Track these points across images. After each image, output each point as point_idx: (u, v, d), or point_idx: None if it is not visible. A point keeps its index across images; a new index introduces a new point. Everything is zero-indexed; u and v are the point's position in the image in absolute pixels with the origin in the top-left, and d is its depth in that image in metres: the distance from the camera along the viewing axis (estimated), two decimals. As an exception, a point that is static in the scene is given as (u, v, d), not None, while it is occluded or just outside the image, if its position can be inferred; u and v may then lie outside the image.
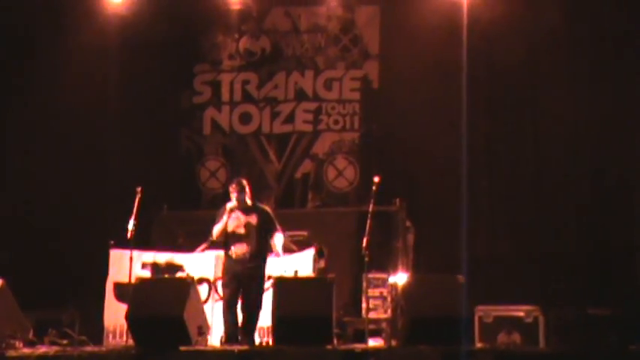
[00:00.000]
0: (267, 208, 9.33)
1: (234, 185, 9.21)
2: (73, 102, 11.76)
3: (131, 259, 9.23)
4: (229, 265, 9.08)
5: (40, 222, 11.53)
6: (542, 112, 11.41)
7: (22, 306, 8.90)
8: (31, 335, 8.87)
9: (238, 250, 9.01)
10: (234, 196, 9.12)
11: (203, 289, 9.73)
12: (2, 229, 11.41)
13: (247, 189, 9.18)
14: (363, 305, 9.82)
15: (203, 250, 10.35)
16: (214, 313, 9.75)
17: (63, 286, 10.95)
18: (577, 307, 9.51)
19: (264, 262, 9.09)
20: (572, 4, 11.27)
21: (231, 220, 9.06)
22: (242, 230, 9.06)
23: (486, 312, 9.34)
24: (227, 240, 9.11)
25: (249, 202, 9.18)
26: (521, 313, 9.34)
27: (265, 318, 8.96)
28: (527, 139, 11.50)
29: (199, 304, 8.83)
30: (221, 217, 9.12)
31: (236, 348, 8.33)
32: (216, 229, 9.13)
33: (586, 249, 10.85)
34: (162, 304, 8.22)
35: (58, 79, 11.79)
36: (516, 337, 9.26)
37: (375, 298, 10.17)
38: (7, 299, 8.72)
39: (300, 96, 12.36)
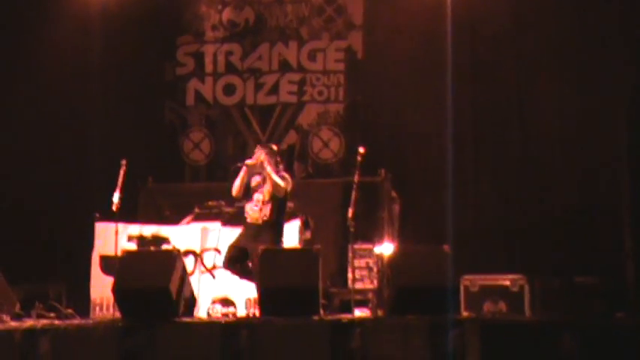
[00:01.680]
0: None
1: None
2: (55, 75, 11.69)
3: (117, 231, 9.20)
4: None
5: (25, 196, 11.47)
6: (528, 82, 11.41)
7: (9, 280, 8.87)
8: (17, 309, 8.84)
9: None
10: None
11: (189, 262, 9.73)
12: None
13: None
14: (349, 276, 9.86)
15: (189, 223, 10.35)
16: (200, 286, 9.76)
17: (49, 260, 10.94)
18: (563, 276, 9.56)
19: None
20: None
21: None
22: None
23: (472, 281, 9.38)
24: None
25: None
26: (507, 282, 9.38)
27: (252, 289, 8.97)
28: (512, 109, 11.50)
29: (185, 277, 8.82)
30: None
31: (223, 319, 8.34)
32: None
33: (572, 217, 10.89)
34: (149, 277, 8.20)
35: (40, 54, 11.69)
36: (502, 306, 9.31)
37: (361, 268, 10.20)
38: (-7, 274, 8.69)
39: (285, 67, 12.32)
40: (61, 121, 11.79)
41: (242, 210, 10.25)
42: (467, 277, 9.36)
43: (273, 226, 8.95)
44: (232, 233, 9.94)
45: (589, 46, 11.12)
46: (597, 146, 11.05)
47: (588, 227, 10.74)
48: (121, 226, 9.43)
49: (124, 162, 9.26)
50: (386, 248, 10.06)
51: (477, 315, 8.82)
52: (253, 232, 8.92)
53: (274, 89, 12.31)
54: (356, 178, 8.87)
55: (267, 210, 8.93)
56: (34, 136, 11.64)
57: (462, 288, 9.26)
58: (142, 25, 12.10)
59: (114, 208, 9.14)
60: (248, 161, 8.92)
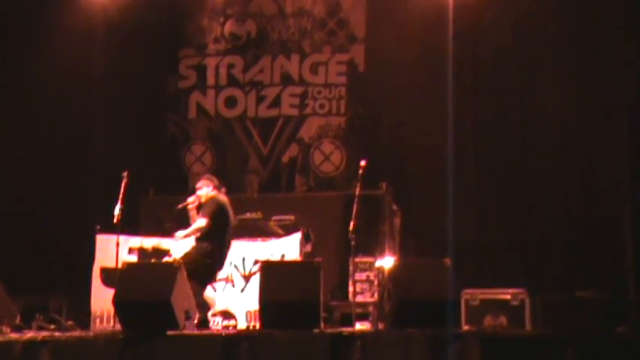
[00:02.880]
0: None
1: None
2: (58, 88, 11.74)
3: (117, 244, 9.20)
4: None
5: (27, 207, 11.49)
6: (530, 96, 11.43)
7: (9, 292, 8.87)
8: (18, 321, 8.83)
9: None
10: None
11: (190, 274, 9.71)
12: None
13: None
14: (350, 289, 9.85)
15: (189, 235, 10.34)
16: (201, 298, 9.75)
17: (50, 272, 10.94)
18: (564, 290, 9.55)
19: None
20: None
21: None
22: None
23: (473, 295, 9.38)
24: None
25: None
26: (508, 296, 9.38)
27: (253, 302, 8.96)
28: (514, 123, 11.51)
29: (186, 289, 8.82)
30: None
31: (223, 332, 8.33)
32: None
33: (573, 232, 10.88)
34: (150, 289, 8.20)
35: (43, 66, 11.72)
36: (503, 320, 9.31)
37: (362, 282, 10.20)
38: (-7, 285, 8.69)
39: (286, 80, 12.33)
40: (63, 133, 11.81)
41: (243, 222, 10.30)
42: (468, 290, 9.36)
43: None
44: (233, 246, 9.96)
45: (590, 57, 11.14)
46: (599, 159, 11.06)
47: (589, 241, 10.72)
48: (122, 238, 9.43)
49: (125, 174, 9.28)
50: (387, 261, 10.04)
51: (478, 329, 8.79)
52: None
53: (276, 102, 12.33)
54: (357, 191, 8.89)
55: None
56: (35, 148, 11.67)
57: (462, 302, 9.27)
58: (145, 38, 12.13)
59: (115, 220, 9.15)
60: (189, 200, 9.30)
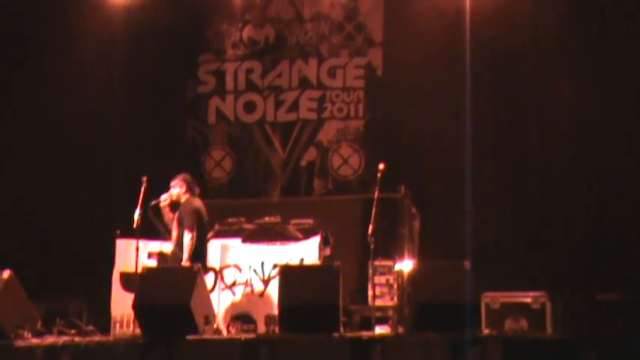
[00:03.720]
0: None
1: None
2: (78, 92, 11.81)
3: (137, 248, 9.24)
4: None
5: (47, 212, 11.56)
6: (548, 97, 11.36)
7: (30, 296, 8.92)
8: (39, 325, 8.88)
9: None
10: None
11: (209, 278, 9.73)
12: (10, 219, 11.47)
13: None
14: (370, 293, 9.82)
15: (209, 239, 10.36)
16: (220, 302, 9.77)
17: (70, 276, 10.99)
18: (585, 293, 9.49)
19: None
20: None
21: None
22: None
23: (493, 298, 9.33)
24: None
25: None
26: (529, 300, 9.33)
27: (272, 306, 8.96)
28: (532, 125, 11.46)
29: (205, 293, 8.84)
30: None
31: (242, 336, 8.34)
32: None
33: (594, 234, 10.82)
34: (169, 294, 8.23)
35: (64, 69, 11.80)
36: (523, 324, 9.25)
37: (381, 285, 10.17)
38: (15, 290, 8.74)
39: (304, 84, 12.34)
40: (82, 138, 11.88)
41: (262, 226, 10.31)
42: (488, 294, 9.32)
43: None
44: (252, 250, 9.98)
45: (609, 59, 11.08)
46: (620, 161, 10.98)
47: (610, 243, 10.65)
48: (141, 242, 9.47)
49: (145, 179, 9.32)
50: (406, 265, 10.02)
51: (498, 332, 8.76)
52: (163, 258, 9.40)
53: (294, 106, 12.34)
54: (376, 195, 8.88)
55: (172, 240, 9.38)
56: (56, 154, 11.74)
57: (483, 305, 9.22)
58: (164, 43, 12.19)
59: (135, 224, 9.19)
60: (162, 198, 9.50)
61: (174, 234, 9.45)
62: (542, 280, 10.21)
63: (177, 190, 9.55)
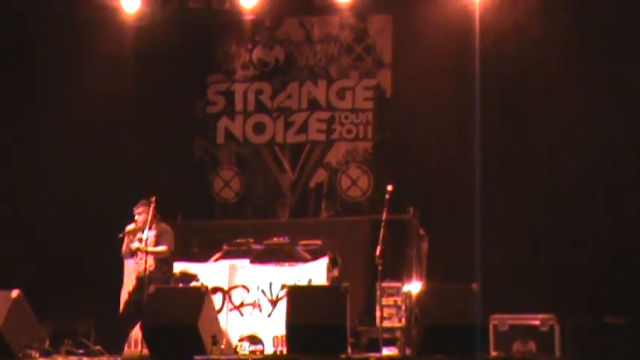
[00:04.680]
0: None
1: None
2: (87, 112, 11.84)
3: (146, 269, 9.26)
4: None
5: (56, 232, 11.58)
6: (557, 117, 11.37)
7: (38, 316, 8.92)
8: (47, 345, 8.88)
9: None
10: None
11: (217, 299, 9.75)
12: (19, 239, 11.50)
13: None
14: (377, 314, 9.80)
15: (217, 260, 10.38)
16: (228, 323, 9.77)
17: (78, 296, 10.99)
18: (593, 316, 9.45)
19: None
20: (584, 10, 11.24)
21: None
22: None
23: (502, 320, 9.29)
24: None
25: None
26: (537, 322, 9.28)
27: (280, 327, 8.95)
28: (541, 146, 11.46)
29: (213, 313, 8.84)
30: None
31: (250, 357, 8.33)
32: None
33: (602, 256, 10.78)
34: (177, 314, 8.24)
35: (74, 89, 11.85)
36: (532, 346, 9.20)
37: (389, 306, 10.15)
38: (23, 309, 8.75)
39: (314, 105, 12.38)
40: (92, 158, 11.92)
41: (270, 247, 10.32)
42: (496, 316, 9.28)
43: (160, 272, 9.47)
44: (261, 271, 9.98)
45: (619, 77, 11.08)
46: (628, 183, 10.96)
47: (619, 266, 10.61)
48: (150, 263, 9.47)
49: (153, 199, 9.35)
50: (414, 286, 10.01)
51: (507, 355, 8.74)
52: (142, 282, 9.27)
53: (303, 127, 12.37)
54: (384, 216, 8.88)
55: (151, 260, 9.40)
56: (65, 173, 11.76)
57: (491, 327, 9.17)
58: (174, 63, 12.25)
59: (143, 245, 9.21)
60: (128, 227, 9.54)
61: (150, 261, 9.45)
62: (551, 303, 10.17)
63: (142, 216, 9.56)
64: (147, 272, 9.31)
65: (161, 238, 9.52)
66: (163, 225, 9.66)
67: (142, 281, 9.26)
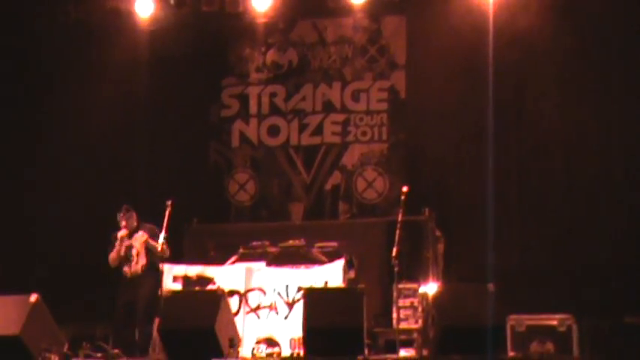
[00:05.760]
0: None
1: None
2: (102, 116, 11.88)
3: (162, 272, 9.29)
4: None
5: (73, 236, 11.63)
6: (571, 120, 11.34)
7: (57, 320, 8.96)
8: (66, 349, 8.92)
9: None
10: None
11: (234, 302, 9.75)
12: (37, 243, 11.56)
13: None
14: (394, 315, 9.79)
15: (233, 263, 10.40)
16: (245, 326, 9.78)
17: (96, 300, 11.02)
18: (612, 316, 9.41)
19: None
20: (599, 11, 11.20)
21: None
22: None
23: (519, 321, 9.27)
24: None
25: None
26: (555, 322, 9.25)
27: (297, 329, 8.96)
28: (556, 147, 11.43)
29: (230, 317, 8.86)
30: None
31: (267, 360, 8.36)
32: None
33: (620, 256, 10.73)
34: (194, 317, 8.25)
35: (89, 94, 11.91)
36: (549, 347, 9.18)
37: (405, 308, 10.14)
38: (42, 313, 8.79)
39: (328, 108, 12.38)
40: (107, 162, 11.98)
41: (286, 249, 10.33)
42: (513, 316, 9.26)
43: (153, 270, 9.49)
44: (277, 273, 9.98)
45: (634, 81, 11.04)
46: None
47: (637, 266, 10.56)
48: (166, 266, 9.54)
49: (169, 203, 9.38)
50: (430, 287, 9.99)
51: (524, 355, 8.71)
52: (135, 282, 9.46)
53: (318, 130, 12.37)
54: (400, 218, 8.88)
55: (143, 260, 9.51)
56: (81, 178, 11.82)
57: (508, 328, 9.15)
58: (188, 67, 12.28)
59: (159, 248, 9.24)
60: (120, 233, 9.64)
61: (143, 260, 9.54)
62: (569, 303, 10.13)
63: (130, 220, 9.72)
64: (141, 272, 9.47)
65: (155, 237, 9.53)
66: (150, 226, 9.71)
67: (131, 283, 9.39)
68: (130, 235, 9.64)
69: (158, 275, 9.51)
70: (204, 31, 12.29)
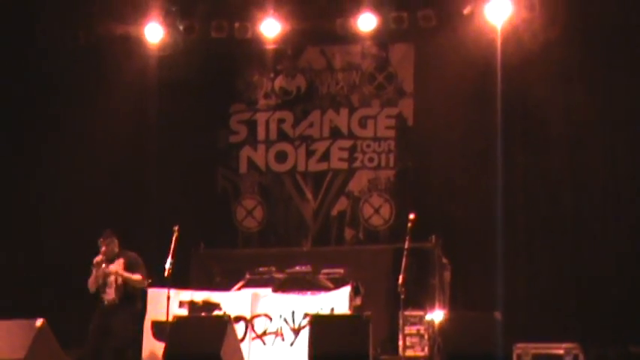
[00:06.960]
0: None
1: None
2: (111, 141, 11.93)
3: (168, 297, 9.29)
4: None
5: (80, 261, 11.61)
6: (579, 146, 11.35)
7: (62, 345, 8.96)
8: (70, 374, 8.93)
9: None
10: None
11: (240, 328, 9.74)
12: (43, 269, 11.57)
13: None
14: (400, 343, 9.78)
15: (240, 289, 10.39)
16: (251, 352, 9.76)
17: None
18: (617, 345, 9.37)
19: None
20: (606, 37, 11.24)
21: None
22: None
23: (525, 349, 9.24)
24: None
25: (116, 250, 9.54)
26: (561, 351, 9.23)
27: (302, 356, 8.94)
28: (564, 174, 11.43)
29: (236, 343, 8.84)
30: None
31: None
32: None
33: (626, 285, 10.70)
34: (200, 343, 8.25)
35: (97, 119, 11.94)
36: (556, 376, 9.15)
37: (411, 335, 10.11)
38: (47, 338, 8.79)
39: (335, 134, 12.42)
40: (114, 187, 12.00)
41: (293, 276, 10.32)
42: (520, 345, 9.24)
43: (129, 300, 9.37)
44: (283, 299, 9.98)
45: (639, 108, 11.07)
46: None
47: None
48: (172, 291, 9.52)
49: (176, 228, 9.39)
50: (437, 315, 9.97)
51: (531, 384, 8.67)
52: (110, 310, 9.29)
53: (325, 156, 12.40)
54: (406, 245, 8.86)
55: (120, 289, 9.33)
56: (88, 202, 11.83)
57: (514, 356, 9.15)
58: (196, 93, 12.34)
59: (166, 273, 9.25)
60: (96, 259, 9.40)
61: (120, 289, 9.38)
62: (575, 332, 10.10)
63: (111, 246, 9.52)
64: (117, 301, 9.30)
65: (133, 267, 9.41)
66: (131, 254, 9.55)
67: (106, 310, 9.29)
68: (112, 261, 9.46)
69: (134, 306, 9.42)
70: (213, 57, 12.35)
